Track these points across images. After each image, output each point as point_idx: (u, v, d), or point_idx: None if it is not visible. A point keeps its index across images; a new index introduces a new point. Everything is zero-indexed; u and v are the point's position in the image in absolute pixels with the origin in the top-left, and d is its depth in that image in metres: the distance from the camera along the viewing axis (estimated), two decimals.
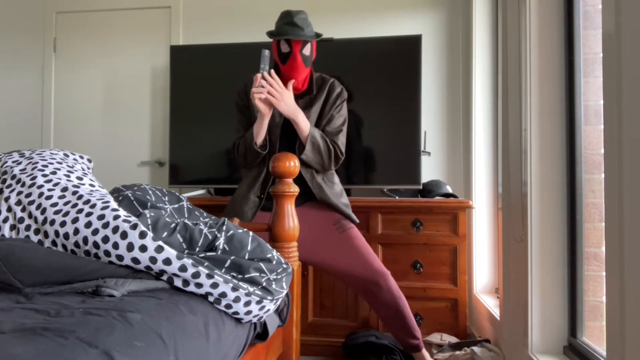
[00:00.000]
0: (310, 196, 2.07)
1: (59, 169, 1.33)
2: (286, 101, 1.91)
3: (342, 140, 2.07)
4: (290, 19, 1.96)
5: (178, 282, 1.12)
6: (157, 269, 1.11)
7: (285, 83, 2.00)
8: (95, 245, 1.11)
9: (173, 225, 1.23)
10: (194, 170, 2.85)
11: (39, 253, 1.08)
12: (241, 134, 2.08)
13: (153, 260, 1.10)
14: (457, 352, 2.15)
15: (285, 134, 2.06)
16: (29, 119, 3.43)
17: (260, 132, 1.96)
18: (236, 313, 1.18)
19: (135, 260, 1.10)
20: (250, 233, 1.30)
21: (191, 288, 1.12)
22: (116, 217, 1.14)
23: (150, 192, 1.48)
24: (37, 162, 1.35)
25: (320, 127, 2.05)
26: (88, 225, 1.14)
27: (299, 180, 2.01)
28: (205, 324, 1.06)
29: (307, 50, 1.99)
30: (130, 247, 1.10)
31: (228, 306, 1.16)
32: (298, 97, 2.07)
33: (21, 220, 1.20)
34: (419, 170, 2.59)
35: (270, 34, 2.01)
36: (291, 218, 1.65)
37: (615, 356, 1.05)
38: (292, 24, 1.95)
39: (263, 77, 1.88)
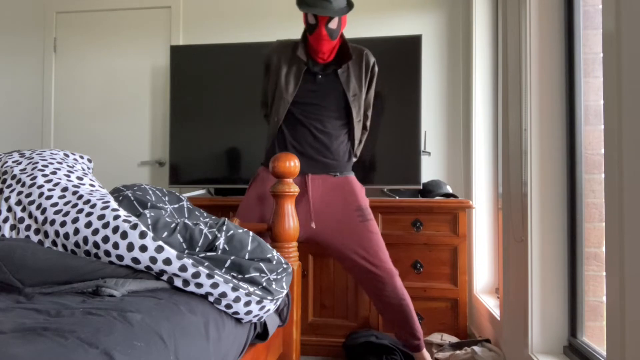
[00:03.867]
0: (345, 169, 2.09)
1: (59, 169, 1.33)
2: None
3: (370, 113, 2.18)
4: None
5: (178, 282, 1.12)
6: (157, 269, 1.11)
7: (312, 51, 2.03)
8: (96, 245, 1.11)
9: (173, 225, 1.23)
10: (194, 170, 2.85)
11: (39, 253, 1.08)
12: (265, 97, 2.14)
13: (153, 260, 1.10)
14: (458, 352, 2.16)
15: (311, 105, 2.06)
16: (29, 119, 3.43)
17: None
18: (236, 313, 1.18)
19: (136, 260, 1.10)
20: (251, 233, 1.30)
21: (191, 288, 1.12)
22: (116, 217, 1.14)
23: (150, 192, 1.48)
24: (37, 162, 1.35)
25: (360, 95, 2.08)
26: (88, 225, 1.14)
27: (338, 145, 2.07)
28: (205, 324, 1.06)
29: (333, 24, 1.95)
30: (130, 247, 1.10)
31: (228, 306, 1.16)
32: (332, 64, 2.06)
33: (21, 220, 1.20)
34: (419, 170, 2.59)
35: (299, 1, 1.96)
36: (291, 218, 1.65)
37: (615, 356, 1.05)
38: None
39: None
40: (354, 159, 2.15)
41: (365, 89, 2.10)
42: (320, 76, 2.04)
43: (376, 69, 2.14)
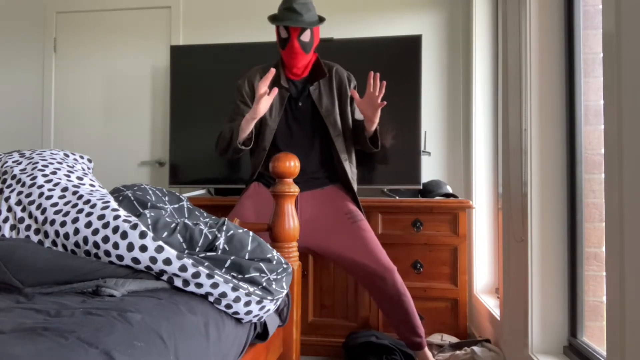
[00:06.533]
0: (331, 180, 2.15)
1: (59, 169, 1.33)
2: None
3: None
4: (289, 4, 1.95)
5: (178, 282, 1.12)
6: (157, 269, 1.11)
7: (287, 68, 2.07)
8: (96, 245, 1.11)
9: (173, 225, 1.23)
10: (194, 170, 2.85)
11: (39, 253, 1.08)
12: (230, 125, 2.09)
13: (153, 260, 1.10)
14: (458, 352, 2.16)
15: (284, 135, 2.11)
16: (29, 119, 3.43)
17: (247, 129, 1.96)
18: (236, 313, 1.18)
19: (136, 260, 1.10)
20: (251, 233, 1.30)
21: (191, 288, 1.12)
22: (116, 217, 1.14)
23: (150, 192, 1.48)
24: (37, 162, 1.35)
25: (333, 110, 2.10)
26: (88, 225, 1.14)
27: (327, 163, 2.13)
28: (205, 324, 1.06)
29: (305, 36, 1.98)
30: (130, 247, 1.10)
31: (228, 306, 1.16)
32: (305, 83, 2.11)
33: (21, 220, 1.20)
34: (419, 170, 2.59)
35: (270, 17, 2.01)
36: (291, 218, 1.65)
37: (615, 356, 1.05)
38: (291, 10, 1.94)
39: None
40: (375, 148, 2.14)
41: (338, 104, 2.12)
42: (300, 103, 2.10)
43: (353, 81, 2.18)
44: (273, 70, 1.88)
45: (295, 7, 1.93)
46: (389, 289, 1.95)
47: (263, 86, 1.85)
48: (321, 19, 2.02)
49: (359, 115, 2.18)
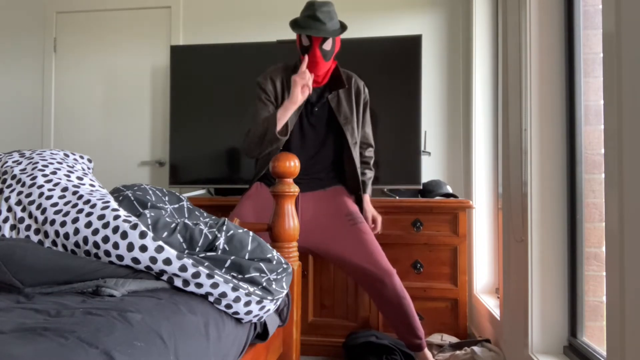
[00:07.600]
0: (334, 182, 2.16)
1: (59, 169, 1.33)
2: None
3: (373, 143, 2.28)
4: (312, 12, 1.93)
5: (178, 282, 1.12)
6: (158, 269, 1.11)
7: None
8: (96, 245, 1.11)
9: (173, 225, 1.23)
10: (194, 170, 2.85)
11: (39, 253, 1.08)
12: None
13: (153, 260, 1.10)
14: (458, 352, 2.16)
15: (301, 130, 2.10)
16: (29, 119, 3.43)
17: (283, 119, 1.93)
18: (236, 313, 1.18)
19: (136, 260, 1.10)
20: (251, 233, 1.30)
21: (191, 288, 1.12)
22: (116, 217, 1.14)
23: (150, 192, 1.48)
24: (37, 162, 1.35)
25: (352, 118, 2.11)
26: (88, 225, 1.13)
27: (332, 166, 2.14)
28: (205, 324, 1.06)
29: (327, 45, 1.98)
30: (130, 247, 1.10)
31: (228, 306, 1.16)
32: (323, 90, 2.10)
33: (21, 220, 1.20)
34: (419, 170, 2.59)
35: (293, 23, 1.99)
36: (291, 218, 1.65)
37: (615, 356, 1.05)
38: (314, 18, 1.93)
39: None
40: (368, 175, 2.21)
41: (356, 113, 2.12)
42: (317, 109, 2.09)
43: (367, 91, 2.18)
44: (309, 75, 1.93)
45: (319, 16, 1.92)
46: (388, 292, 1.95)
47: (304, 80, 1.90)
48: (343, 27, 2.01)
49: (368, 128, 2.21)
